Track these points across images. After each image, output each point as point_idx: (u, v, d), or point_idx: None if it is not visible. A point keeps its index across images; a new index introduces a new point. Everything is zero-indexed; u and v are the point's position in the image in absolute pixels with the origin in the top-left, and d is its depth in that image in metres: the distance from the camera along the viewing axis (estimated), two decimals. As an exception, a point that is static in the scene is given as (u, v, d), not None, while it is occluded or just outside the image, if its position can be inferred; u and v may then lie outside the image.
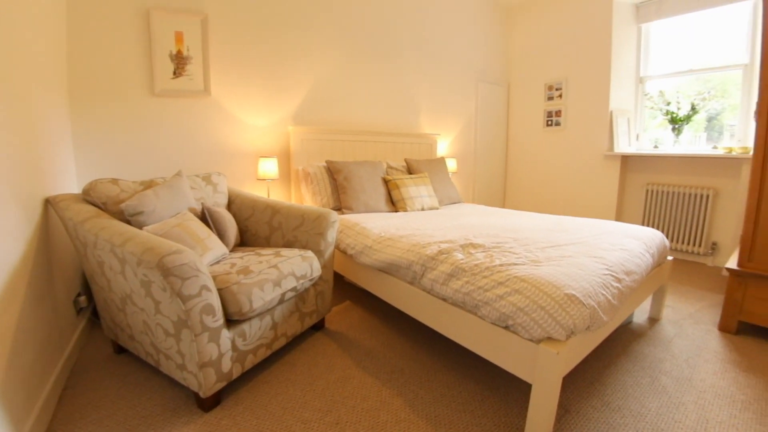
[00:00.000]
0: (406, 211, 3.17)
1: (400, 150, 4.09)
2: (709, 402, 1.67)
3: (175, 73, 2.78)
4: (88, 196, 1.84)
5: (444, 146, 4.73)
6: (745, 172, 3.28)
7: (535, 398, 1.36)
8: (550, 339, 1.35)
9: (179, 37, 2.78)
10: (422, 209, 3.27)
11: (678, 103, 3.88)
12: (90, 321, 2.32)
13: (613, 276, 1.61)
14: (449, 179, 3.90)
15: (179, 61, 2.80)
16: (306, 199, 3.23)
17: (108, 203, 1.84)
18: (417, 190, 3.31)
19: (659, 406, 1.64)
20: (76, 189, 2.44)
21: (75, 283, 2.19)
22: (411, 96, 4.31)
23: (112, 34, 2.54)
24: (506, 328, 1.47)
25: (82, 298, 2.19)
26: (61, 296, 1.90)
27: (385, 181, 3.32)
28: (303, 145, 3.38)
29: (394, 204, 3.26)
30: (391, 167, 3.64)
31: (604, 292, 1.49)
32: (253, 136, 3.25)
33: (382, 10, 3.94)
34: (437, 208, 3.39)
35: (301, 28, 3.39)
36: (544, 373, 1.32)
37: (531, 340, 1.38)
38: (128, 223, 1.77)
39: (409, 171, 3.71)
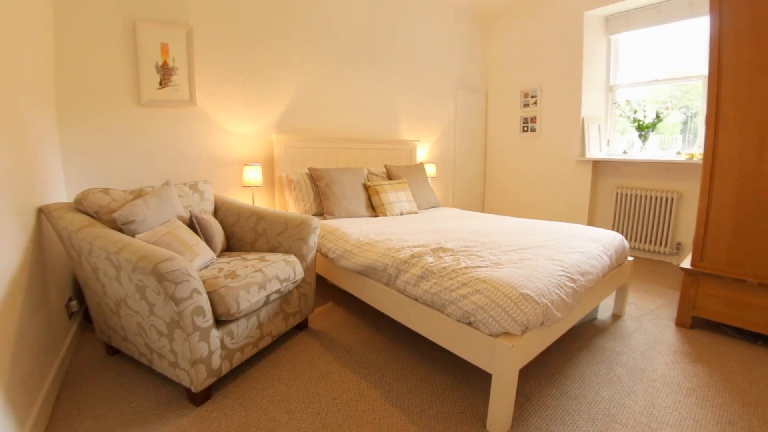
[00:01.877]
0: (385, 215, 3.30)
1: (380, 156, 4.22)
2: (657, 389, 1.84)
3: (161, 83, 2.88)
4: (80, 205, 1.93)
5: (424, 152, 4.87)
6: (704, 177, 3.50)
7: (495, 387, 1.52)
8: (507, 334, 1.50)
9: (165, 49, 2.87)
10: (401, 214, 3.41)
11: (644, 111, 4.10)
12: (81, 325, 2.41)
13: (568, 277, 1.78)
14: (428, 184, 4.04)
15: (165, 72, 2.89)
16: (289, 205, 3.34)
17: (100, 212, 1.94)
18: (396, 196, 3.45)
19: (612, 394, 1.81)
20: (65, 198, 2.51)
21: (66, 289, 2.28)
22: (391, 103, 4.44)
23: (100, 46, 2.62)
24: (469, 324, 1.62)
25: (74, 303, 2.27)
26: (54, 301, 1.99)
27: (366, 187, 3.45)
28: (286, 152, 3.49)
29: (374, 209, 3.39)
30: (371, 173, 3.77)
31: (558, 291, 1.65)
32: (238, 144, 3.35)
33: (362, 20, 4.06)
34: (416, 213, 3.54)
35: (282, 39, 3.50)
36: (502, 364, 1.48)
37: (490, 335, 1.53)
38: (120, 231, 1.87)
39: (389, 177, 3.85)
